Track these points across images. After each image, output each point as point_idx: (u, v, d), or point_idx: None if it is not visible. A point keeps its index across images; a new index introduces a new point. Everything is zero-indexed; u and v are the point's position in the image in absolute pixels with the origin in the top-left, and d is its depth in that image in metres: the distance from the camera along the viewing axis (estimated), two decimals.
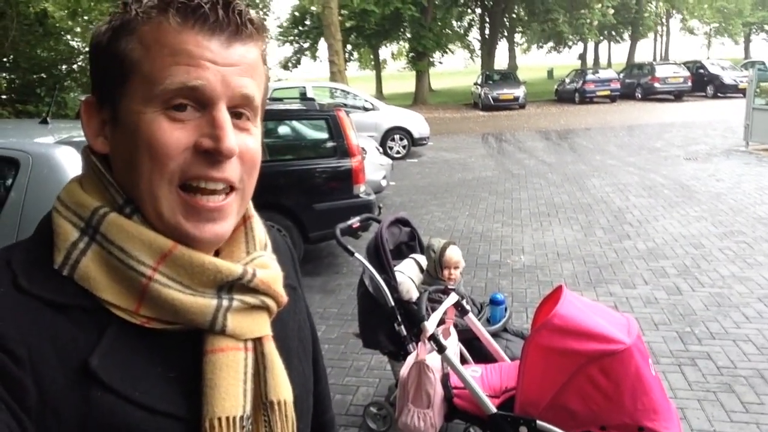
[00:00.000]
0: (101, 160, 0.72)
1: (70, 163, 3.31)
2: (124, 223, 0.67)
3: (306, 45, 37.19)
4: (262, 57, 0.73)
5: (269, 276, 0.74)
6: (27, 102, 9.43)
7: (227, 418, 0.67)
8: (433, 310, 2.95)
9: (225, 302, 0.69)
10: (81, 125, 0.73)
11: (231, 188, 0.70)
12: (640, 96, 27.10)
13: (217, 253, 0.75)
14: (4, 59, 9.79)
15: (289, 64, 36.89)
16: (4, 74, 8.74)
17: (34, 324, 0.61)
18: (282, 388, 0.73)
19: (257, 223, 0.81)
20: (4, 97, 9.45)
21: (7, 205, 3.24)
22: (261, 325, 0.73)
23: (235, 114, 0.69)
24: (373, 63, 46.76)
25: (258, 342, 0.73)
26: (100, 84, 0.71)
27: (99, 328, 0.65)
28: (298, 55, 37.24)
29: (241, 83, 0.68)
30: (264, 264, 0.75)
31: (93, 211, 0.68)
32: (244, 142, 0.70)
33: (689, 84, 25.88)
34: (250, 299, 0.72)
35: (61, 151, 3.36)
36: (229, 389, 0.68)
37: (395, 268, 3.27)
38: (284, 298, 0.77)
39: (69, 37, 11.95)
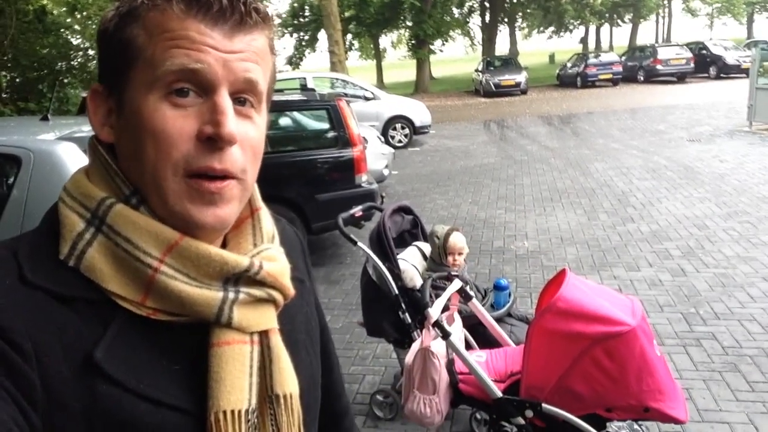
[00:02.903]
0: (107, 150, 0.71)
1: (72, 160, 3.32)
2: (130, 214, 0.67)
3: (306, 37, 37.07)
4: (269, 45, 0.72)
5: (276, 269, 0.74)
6: (28, 99, 9.44)
7: (233, 412, 0.67)
8: (437, 296, 2.95)
9: (231, 294, 0.69)
10: (87, 114, 0.72)
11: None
12: (642, 78, 26.94)
13: (224, 246, 0.74)
14: (4, 57, 9.79)
15: (293, 60, 36.79)
16: (4, 72, 8.74)
17: (40, 317, 0.61)
18: (288, 381, 0.73)
19: (265, 216, 0.80)
20: (5, 95, 9.46)
21: (9, 202, 3.25)
22: (267, 318, 0.73)
23: (239, 100, 0.69)
24: (373, 52, 46.58)
25: (264, 335, 0.72)
26: (107, 72, 0.70)
27: (104, 320, 0.64)
28: (302, 49, 37.13)
29: (245, 67, 0.68)
30: (271, 257, 0.75)
31: (99, 201, 0.68)
32: (246, 130, 0.69)
33: (692, 65, 25.70)
34: (256, 292, 0.71)
35: (62, 148, 3.36)
36: (235, 382, 0.68)
37: (398, 256, 3.27)
38: (291, 291, 0.76)
39: (68, 33, 11.94)
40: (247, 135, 0.69)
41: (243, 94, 0.69)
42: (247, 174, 0.70)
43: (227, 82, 0.67)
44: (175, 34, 0.65)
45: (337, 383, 1.02)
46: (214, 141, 0.66)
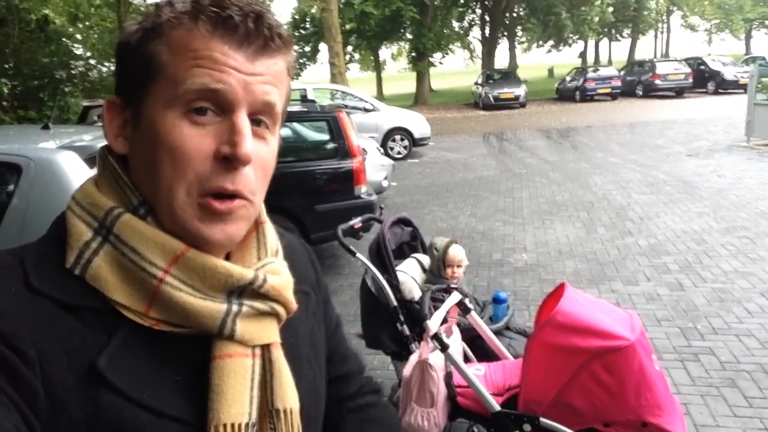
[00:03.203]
0: (118, 161, 0.72)
1: (72, 168, 3.32)
2: (137, 225, 0.67)
3: (307, 49, 37.25)
4: (287, 68, 0.73)
5: (280, 282, 0.74)
6: (29, 108, 9.47)
7: (233, 425, 0.67)
8: (436, 309, 2.95)
9: (235, 307, 0.69)
10: (102, 124, 0.73)
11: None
12: (641, 93, 27.06)
13: (228, 259, 0.74)
14: (6, 65, 9.83)
15: (294, 72, 36.97)
16: (5, 80, 8.78)
17: (44, 324, 0.61)
18: (288, 396, 0.73)
19: (269, 229, 0.80)
20: (5, 103, 9.49)
21: (9, 210, 3.25)
22: (270, 332, 0.73)
23: (255, 121, 0.69)
24: (373, 64, 46.79)
25: (266, 349, 0.72)
26: (125, 84, 0.71)
27: (108, 329, 0.65)
28: (302, 60, 37.29)
29: (264, 90, 0.69)
30: (275, 270, 0.75)
31: (107, 211, 0.68)
32: (259, 151, 0.70)
33: (690, 80, 25.84)
34: (259, 305, 0.71)
35: (62, 156, 3.37)
36: (236, 396, 0.68)
37: (397, 268, 3.28)
38: (294, 305, 0.77)
39: (69, 42, 12.00)
40: (260, 155, 0.70)
41: (260, 116, 0.70)
42: (256, 195, 0.71)
43: (246, 104, 0.67)
44: (199, 54, 0.66)
45: (352, 382, 1.02)
46: (229, 161, 0.66)
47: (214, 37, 0.66)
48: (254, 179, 0.70)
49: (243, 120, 0.67)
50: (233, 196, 0.68)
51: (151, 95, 0.67)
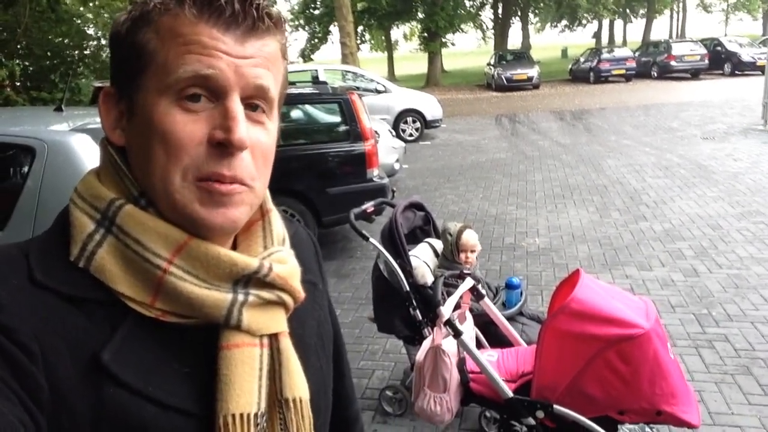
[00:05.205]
0: (118, 152, 0.71)
1: (86, 151, 3.32)
2: (139, 215, 0.67)
3: (318, 30, 36.97)
4: (281, 50, 0.71)
5: (286, 271, 0.73)
6: (41, 89, 9.47)
7: (241, 415, 0.67)
8: (449, 294, 2.94)
9: (241, 297, 0.68)
10: (99, 115, 0.72)
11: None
12: (655, 75, 26.73)
13: (234, 248, 0.74)
14: (18, 46, 9.82)
15: (305, 52, 36.70)
16: (17, 61, 8.77)
17: (48, 318, 0.61)
18: (298, 385, 0.72)
19: (275, 218, 0.79)
20: (17, 84, 9.49)
21: (23, 193, 3.26)
22: (277, 321, 0.72)
23: (250, 106, 0.68)
24: (384, 44, 46.46)
25: (274, 338, 0.72)
26: (118, 75, 0.70)
27: (113, 321, 0.64)
28: (314, 42, 37.03)
29: (256, 73, 0.67)
30: (281, 259, 0.74)
31: (109, 202, 0.68)
32: (257, 136, 0.69)
33: (706, 62, 25.47)
34: (266, 294, 0.71)
35: (76, 139, 3.37)
36: (244, 386, 0.67)
37: (410, 253, 3.27)
38: (301, 294, 0.76)
39: (80, 22, 11.96)
40: (258, 141, 0.69)
41: (254, 100, 0.68)
42: (256, 181, 0.70)
43: (239, 88, 0.66)
44: (188, 39, 0.65)
45: (349, 389, 1.02)
46: (224, 146, 0.65)
47: (200, 21, 0.65)
48: (253, 165, 0.68)
49: (236, 105, 0.66)
50: (232, 182, 0.67)
51: (143, 84, 0.67)
